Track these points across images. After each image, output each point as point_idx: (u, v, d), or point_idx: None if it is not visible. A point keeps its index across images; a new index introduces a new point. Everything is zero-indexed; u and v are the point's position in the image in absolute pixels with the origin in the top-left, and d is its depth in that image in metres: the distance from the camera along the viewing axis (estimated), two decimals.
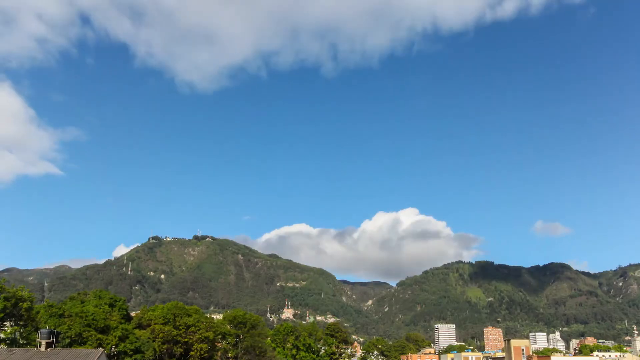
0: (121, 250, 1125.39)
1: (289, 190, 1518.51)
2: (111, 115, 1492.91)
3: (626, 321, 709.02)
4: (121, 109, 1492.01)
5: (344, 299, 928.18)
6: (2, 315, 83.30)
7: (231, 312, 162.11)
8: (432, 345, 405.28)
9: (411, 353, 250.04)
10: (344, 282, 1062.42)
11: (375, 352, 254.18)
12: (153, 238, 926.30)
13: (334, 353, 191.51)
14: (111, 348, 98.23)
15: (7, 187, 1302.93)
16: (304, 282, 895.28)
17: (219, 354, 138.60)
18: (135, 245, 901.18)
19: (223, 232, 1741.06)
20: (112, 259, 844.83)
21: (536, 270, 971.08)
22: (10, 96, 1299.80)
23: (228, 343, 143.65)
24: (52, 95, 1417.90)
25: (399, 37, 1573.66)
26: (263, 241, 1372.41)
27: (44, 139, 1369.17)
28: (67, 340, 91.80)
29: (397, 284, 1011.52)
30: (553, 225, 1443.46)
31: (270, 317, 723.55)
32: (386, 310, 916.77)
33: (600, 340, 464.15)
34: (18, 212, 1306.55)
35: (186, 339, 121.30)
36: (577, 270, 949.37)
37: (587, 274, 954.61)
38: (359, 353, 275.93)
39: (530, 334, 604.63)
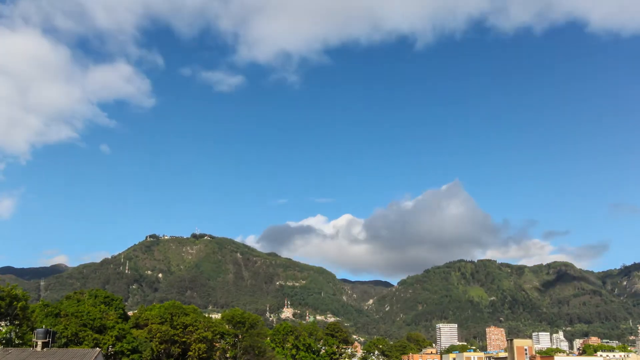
0: (118, 249, 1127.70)
1: (290, 187, 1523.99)
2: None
3: (630, 321, 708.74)
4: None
5: (344, 298, 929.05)
6: None
7: (230, 312, 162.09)
8: (434, 345, 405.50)
9: (412, 353, 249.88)
10: (345, 281, 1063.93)
11: (376, 352, 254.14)
12: (151, 236, 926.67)
13: (334, 353, 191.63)
14: (108, 348, 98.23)
15: (16, 165, 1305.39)
16: (304, 281, 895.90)
17: (218, 354, 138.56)
18: (132, 244, 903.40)
19: (222, 231, 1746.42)
20: (109, 257, 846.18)
21: (539, 269, 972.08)
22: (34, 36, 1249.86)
23: (227, 343, 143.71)
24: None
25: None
26: (260, 240, 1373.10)
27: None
28: (64, 340, 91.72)
29: (398, 283, 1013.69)
30: None
31: (270, 316, 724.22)
32: (387, 309, 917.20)
33: (604, 340, 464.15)
34: (14, 206, 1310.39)
35: (184, 339, 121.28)
36: (580, 269, 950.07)
37: (591, 273, 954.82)
38: (360, 353, 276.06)
39: (533, 334, 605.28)
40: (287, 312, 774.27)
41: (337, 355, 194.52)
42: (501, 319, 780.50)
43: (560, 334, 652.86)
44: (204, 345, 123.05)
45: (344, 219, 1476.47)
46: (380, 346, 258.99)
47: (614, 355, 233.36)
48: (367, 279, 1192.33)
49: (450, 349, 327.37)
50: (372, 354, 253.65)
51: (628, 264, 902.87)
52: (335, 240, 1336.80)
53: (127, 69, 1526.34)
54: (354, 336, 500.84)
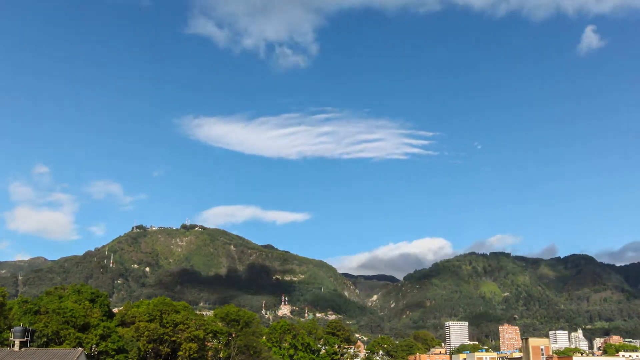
0: (102, 241, 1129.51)
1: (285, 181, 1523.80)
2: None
3: None
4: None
5: (346, 294, 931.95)
6: None
7: (223, 309, 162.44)
8: (443, 344, 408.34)
9: (420, 353, 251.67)
10: (347, 275, 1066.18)
11: (381, 352, 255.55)
12: (137, 227, 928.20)
13: (335, 353, 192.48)
14: (91, 347, 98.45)
15: None
16: (303, 276, 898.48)
17: (210, 354, 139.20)
18: (117, 235, 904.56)
19: (214, 221, 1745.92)
20: (93, 250, 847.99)
21: (557, 263, 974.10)
22: None
23: (219, 342, 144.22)
24: None
25: None
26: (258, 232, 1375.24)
27: None
28: (44, 339, 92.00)
29: (404, 278, 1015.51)
30: None
31: (266, 314, 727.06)
32: (392, 306, 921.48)
33: (626, 339, 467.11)
34: None
35: (174, 338, 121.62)
36: (601, 263, 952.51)
37: (613, 267, 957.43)
38: (363, 353, 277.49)
39: (550, 332, 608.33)
40: (285, 309, 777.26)
41: (339, 356, 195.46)
42: (515, 316, 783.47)
43: (579, 333, 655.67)
44: (195, 344, 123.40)
45: None
46: (385, 346, 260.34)
47: (637, 356, 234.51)
48: (370, 274, 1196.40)
49: (460, 349, 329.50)
50: (376, 354, 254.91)
51: None
52: None
53: None
54: (357, 335, 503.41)
